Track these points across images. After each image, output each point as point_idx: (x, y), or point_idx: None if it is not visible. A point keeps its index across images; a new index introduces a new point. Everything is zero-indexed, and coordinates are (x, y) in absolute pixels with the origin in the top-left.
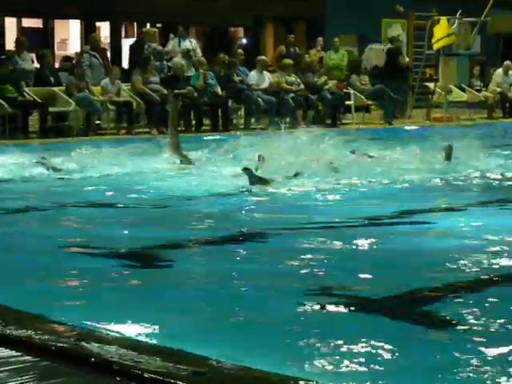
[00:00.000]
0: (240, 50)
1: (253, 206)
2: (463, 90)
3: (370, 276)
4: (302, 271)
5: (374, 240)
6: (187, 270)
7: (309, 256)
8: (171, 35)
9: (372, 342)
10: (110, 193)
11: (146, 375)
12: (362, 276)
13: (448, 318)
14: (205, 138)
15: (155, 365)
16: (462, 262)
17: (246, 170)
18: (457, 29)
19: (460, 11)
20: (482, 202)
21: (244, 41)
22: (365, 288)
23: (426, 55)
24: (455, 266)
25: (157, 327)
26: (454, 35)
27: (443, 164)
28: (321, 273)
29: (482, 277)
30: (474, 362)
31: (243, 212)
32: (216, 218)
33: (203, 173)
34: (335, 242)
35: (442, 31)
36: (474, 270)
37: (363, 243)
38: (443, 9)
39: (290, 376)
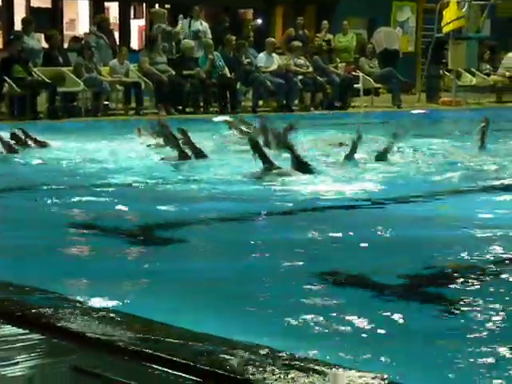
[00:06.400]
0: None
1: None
2: (473, 73)
3: (373, 260)
4: (302, 253)
5: (377, 223)
6: (189, 246)
7: (310, 238)
8: (180, 16)
9: (371, 326)
10: None
11: (151, 354)
12: (364, 260)
13: (450, 302)
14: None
15: (163, 345)
16: (467, 247)
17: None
18: (467, 12)
19: None
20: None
21: (259, 21)
22: (367, 272)
23: (435, 38)
24: (461, 251)
25: (164, 305)
26: (464, 18)
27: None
28: (322, 254)
29: (488, 262)
30: (474, 349)
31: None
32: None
33: None
34: (337, 225)
35: (452, 14)
36: (479, 255)
37: (367, 227)
38: None
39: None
